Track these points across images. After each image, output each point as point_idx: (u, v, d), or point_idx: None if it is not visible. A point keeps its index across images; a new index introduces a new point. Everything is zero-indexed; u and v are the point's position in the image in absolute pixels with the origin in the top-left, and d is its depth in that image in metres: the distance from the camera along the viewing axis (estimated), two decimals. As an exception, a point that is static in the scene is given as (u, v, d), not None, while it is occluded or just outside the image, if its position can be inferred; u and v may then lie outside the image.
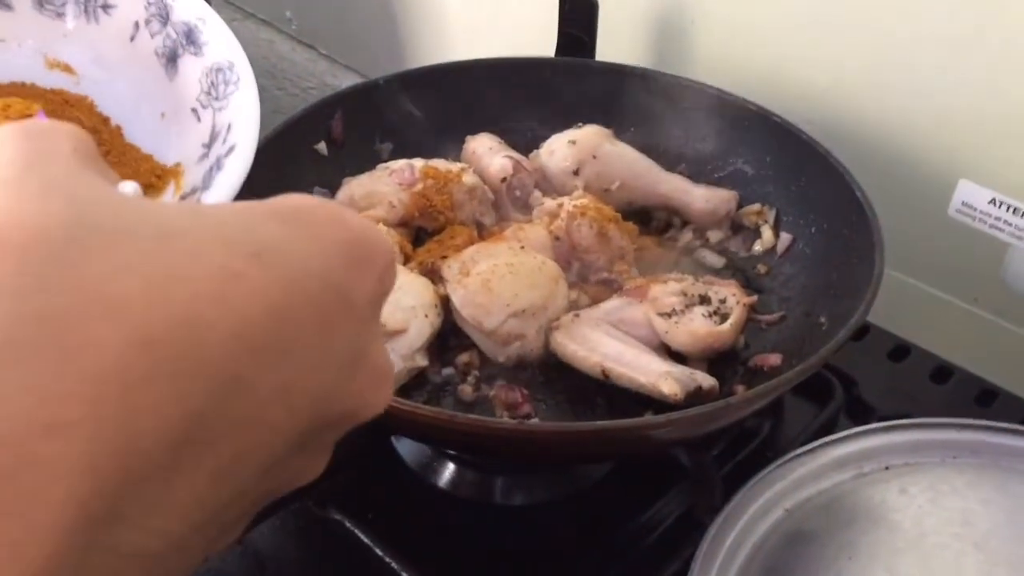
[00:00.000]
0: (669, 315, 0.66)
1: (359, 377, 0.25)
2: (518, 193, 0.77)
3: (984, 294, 0.78)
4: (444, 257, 0.68)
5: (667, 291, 0.67)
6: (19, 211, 0.21)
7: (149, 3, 0.79)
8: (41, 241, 0.20)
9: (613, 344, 0.63)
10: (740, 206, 0.79)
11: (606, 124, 0.81)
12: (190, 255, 0.21)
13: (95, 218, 0.21)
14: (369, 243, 0.26)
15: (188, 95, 0.77)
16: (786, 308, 0.71)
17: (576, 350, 0.63)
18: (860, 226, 0.68)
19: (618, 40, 0.89)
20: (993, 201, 0.73)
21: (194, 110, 0.76)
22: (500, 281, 0.64)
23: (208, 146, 0.73)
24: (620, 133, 0.81)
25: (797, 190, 0.76)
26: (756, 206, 0.78)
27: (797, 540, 0.56)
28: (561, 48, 0.87)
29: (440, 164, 0.76)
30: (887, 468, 0.60)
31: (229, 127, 0.72)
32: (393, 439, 0.68)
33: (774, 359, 0.66)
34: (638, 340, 0.65)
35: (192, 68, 0.77)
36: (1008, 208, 0.72)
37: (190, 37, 0.77)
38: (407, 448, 0.68)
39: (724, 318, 0.67)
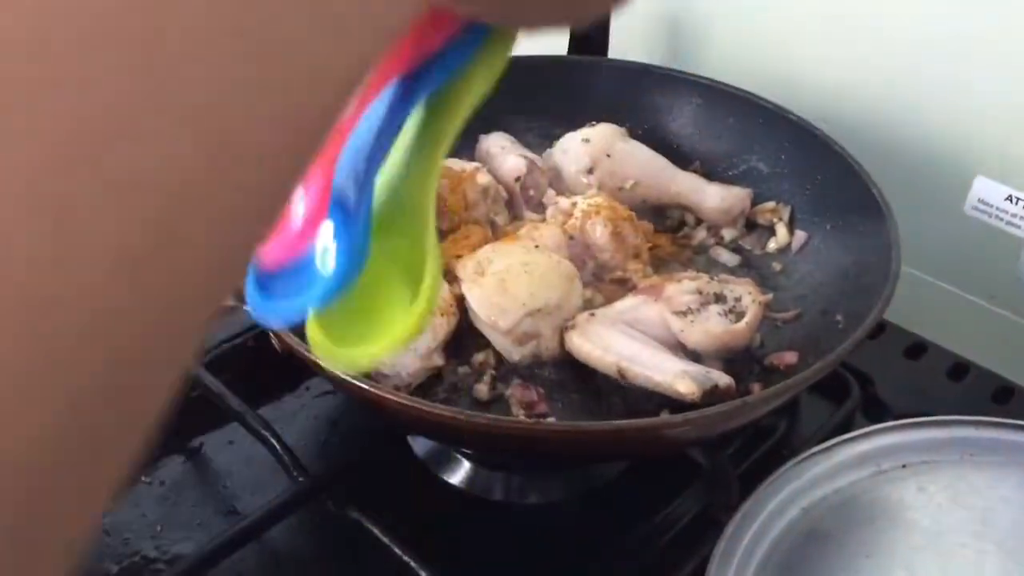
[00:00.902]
0: (684, 314, 0.66)
1: None
2: (532, 192, 0.77)
3: (1001, 291, 0.77)
4: (458, 256, 0.68)
5: (682, 290, 0.67)
6: None
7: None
8: None
9: (629, 343, 0.63)
10: (755, 204, 0.78)
11: (619, 122, 0.80)
12: None
13: None
14: None
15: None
16: (802, 306, 0.71)
17: (592, 349, 0.63)
18: (876, 223, 0.68)
19: (631, 38, 0.89)
20: (1010, 198, 0.72)
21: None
22: (515, 280, 0.64)
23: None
24: (633, 131, 0.81)
25: (812, 188, 0.76)
26: (771, 204, 0.78)
27: (814, 538, 0.56)
28: (574, 46, 0.87)
29: (453, 163, 0.75)
30: (904, 466, 0.59)
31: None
32: (409, 438, 0.68)
33: (790, 357, 0.66)
34: (653, 339, 0.65)
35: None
36: (1025, 205, 0.72)
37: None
38: (423, 447, 0.68)
39: (740, 316, 0.66)
